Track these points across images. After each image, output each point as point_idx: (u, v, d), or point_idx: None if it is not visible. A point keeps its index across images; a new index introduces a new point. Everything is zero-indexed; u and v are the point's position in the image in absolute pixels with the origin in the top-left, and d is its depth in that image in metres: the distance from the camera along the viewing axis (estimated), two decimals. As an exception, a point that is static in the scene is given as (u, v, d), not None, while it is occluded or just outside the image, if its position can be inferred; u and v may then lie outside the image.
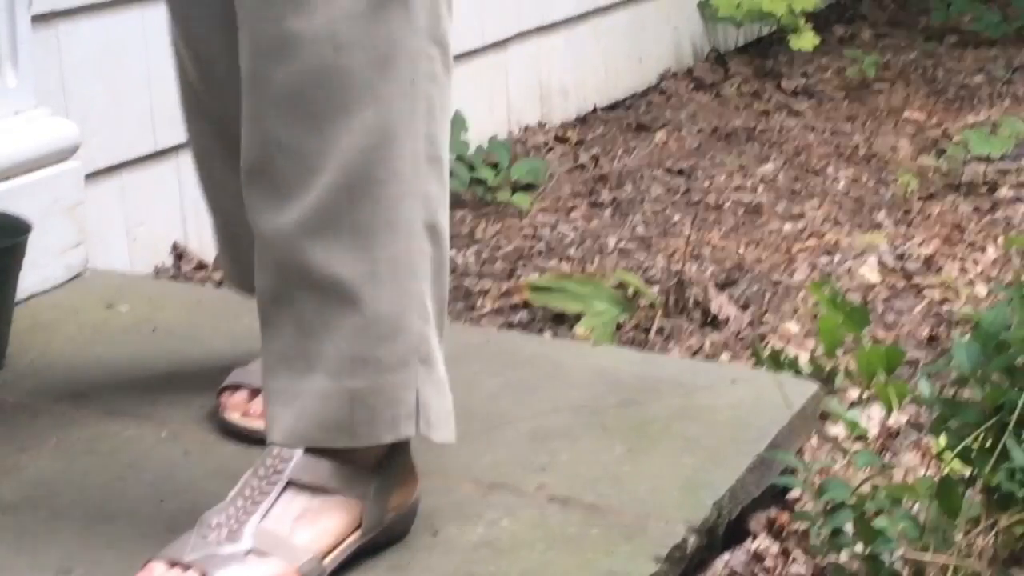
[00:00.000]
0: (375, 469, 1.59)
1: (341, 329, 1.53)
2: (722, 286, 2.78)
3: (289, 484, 1.55)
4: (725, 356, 2.49)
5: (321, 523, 1.55)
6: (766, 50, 4.59)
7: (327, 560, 1.55)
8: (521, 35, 3.71)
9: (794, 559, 1.82)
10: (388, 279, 1.53)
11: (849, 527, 1.68)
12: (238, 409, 1.89)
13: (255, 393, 1.88)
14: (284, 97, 1.51)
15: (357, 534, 1.58)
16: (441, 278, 1.58)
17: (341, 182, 1.50)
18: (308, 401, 1.55)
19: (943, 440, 1.61)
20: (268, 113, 1.52)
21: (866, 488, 1.65)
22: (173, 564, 1.51)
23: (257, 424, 1.86)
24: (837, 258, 2.94)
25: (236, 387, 1.91)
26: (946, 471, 1.58)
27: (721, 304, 2.65)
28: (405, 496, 1.64)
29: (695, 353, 2.50)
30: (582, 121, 3.93)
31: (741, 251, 2.99)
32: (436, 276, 1.57)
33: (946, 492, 1.56)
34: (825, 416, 2.13)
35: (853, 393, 2.30)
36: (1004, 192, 3.35)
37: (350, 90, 1.49)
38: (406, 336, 1.54)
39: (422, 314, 1.55)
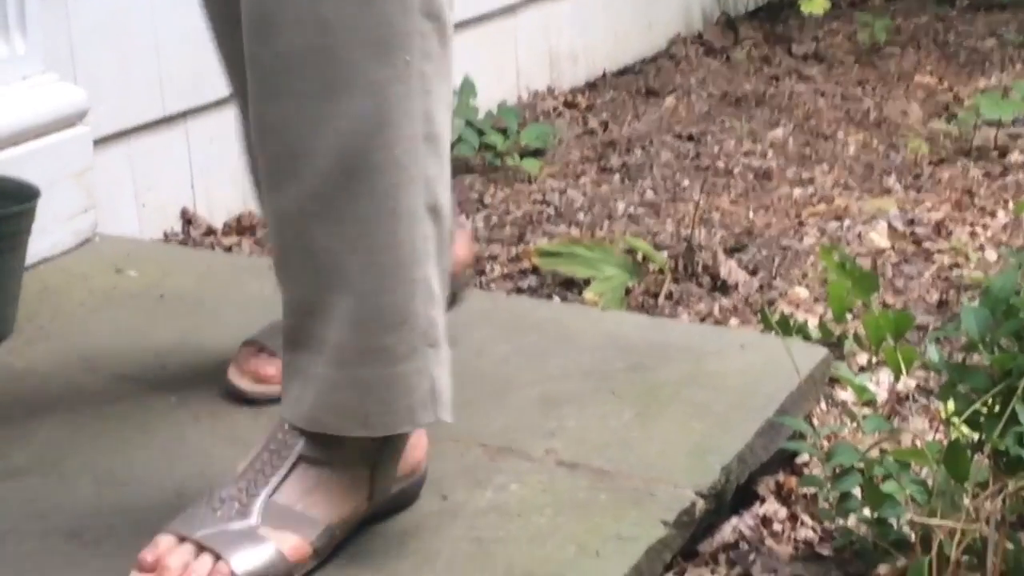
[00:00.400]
0: (384, 439, 1.58)
1: (343, 318, 1.51)
2: (731, 251, 2.78)
3: (300, 459, 1.55)
4: (734, 321, 2.49)
5: (332, 496, 1.55)
6: (776, 14, 4.57)
7: (338, 531, 1.56)
8: (530, 0, 3.70)
9: (802, 523, 1.83)
10: (392, 269, 1.50)
11: (857, 491, 1.68)
12: (237, 365, 1.90)
13: (261, 350, 1.89)
14: (270, 77, 1.48)
15: (367, 504, 1.59)
16: (443, 254, 1.55)
17: (337, 169, 1.47)
18: (320, 386, 1.53)
19: (951, 405, 1.61)
20: (258, 93, 1.50)
21: (874, 453, 1.65)
22: (182, 539, 1.50)
23: (241, 383, 1.88)
24: (847, 223, 2.93)
25: (250, 343, 1.92)
26: (954, 436, 1.58)
27: (730, 269, 2.65)
28: (414, 463, 1.64)
29: (704, 318, 2.50)
30: (591, 86, 3.92)
31: (750, 216, 2.98)
32: (439, 254, 1.54)
33: (954, 457, 1.56)
34: (834, 381, 2.13)
35: (862, 358, 2.30)
36: (1015, 157, 3.34)
37: (338, 73, 1.46)
38: (413, 323, 1.52)
39: (428, 298, 1.53)
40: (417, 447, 1.64)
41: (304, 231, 1.51)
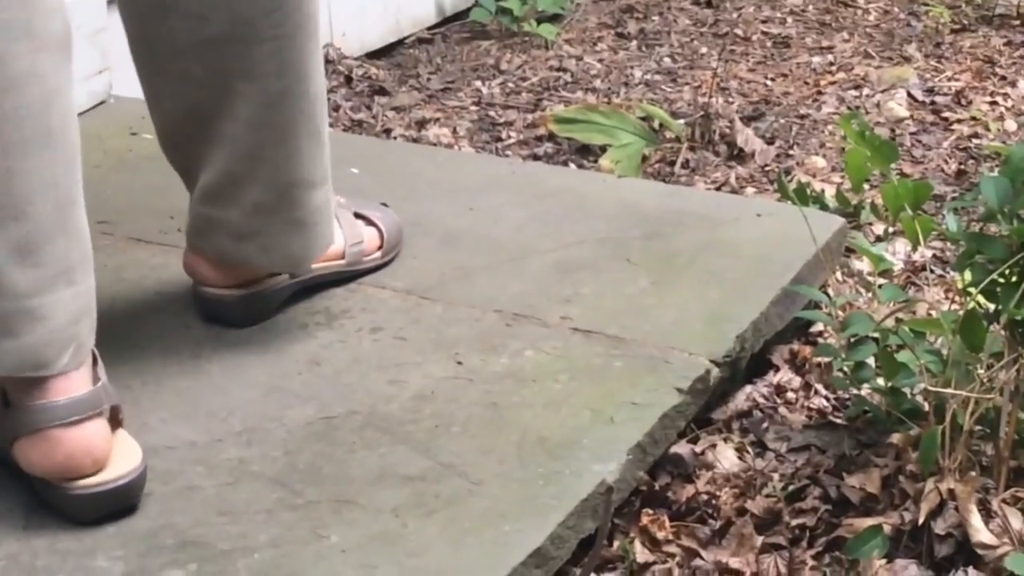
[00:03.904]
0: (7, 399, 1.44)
1: None
2: (749, 119, 2.76)
3: None
4: (751, 190, 2.48)
5: None
6: None
7: None
8: None
9: (816, 392, 1.83)
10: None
11: (872, 361, 1.68)
12: None
13: None
14: None
15: None
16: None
17: None
18: None
19: (968, 275, 1.60)
20: None
21: (890, 322, 1.65)
22: None
23: None
24: (866, 92, 2.91)
25: None
26: (970, 306, 1.57)
27: (747, 137, 2.64)
28: (54, 462, 1.42)
29: (720, 187, 2.49)
30: (610, -50, 3.88)
31: (769, 84, 2.96)
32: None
33: (970, 327, 1.56)
34: (850, 251, 2.13)
35: (879, 228, 2.30)
36: (1037, 26, 3.31)
37: None
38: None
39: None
40: (68, 448, 1.41)
41: None
